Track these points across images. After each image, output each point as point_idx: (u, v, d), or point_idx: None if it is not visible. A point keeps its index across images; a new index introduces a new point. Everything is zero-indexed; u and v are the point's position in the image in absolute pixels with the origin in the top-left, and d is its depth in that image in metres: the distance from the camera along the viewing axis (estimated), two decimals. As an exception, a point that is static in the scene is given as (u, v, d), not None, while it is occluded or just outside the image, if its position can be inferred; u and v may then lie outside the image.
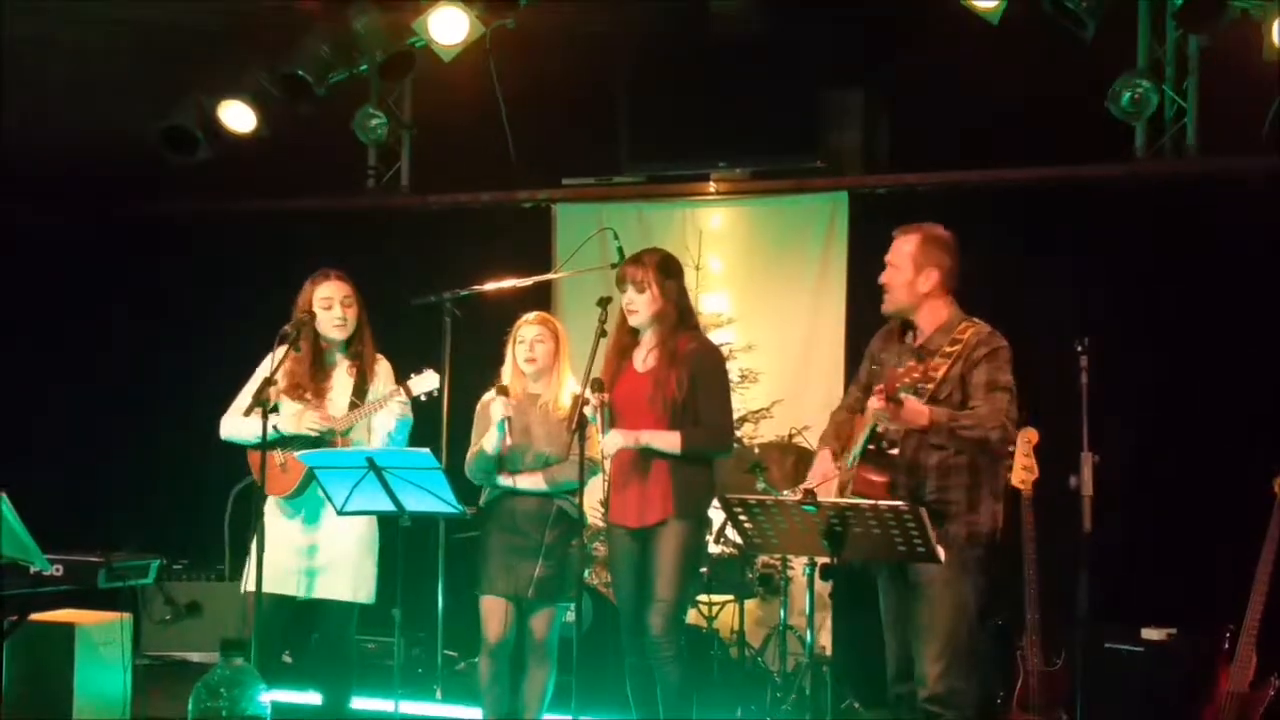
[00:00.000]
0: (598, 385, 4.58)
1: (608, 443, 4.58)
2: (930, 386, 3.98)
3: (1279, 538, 4.84)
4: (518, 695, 4.88)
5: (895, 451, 4.03)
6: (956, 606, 4.02)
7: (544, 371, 4.90)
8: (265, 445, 4.45)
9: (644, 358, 4.71)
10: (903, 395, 3.88)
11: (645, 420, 4.58)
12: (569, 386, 4.88)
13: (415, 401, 4.73)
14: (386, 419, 4.76)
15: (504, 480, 4.86)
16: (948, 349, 4.05)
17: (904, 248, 4.18)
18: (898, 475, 4.04)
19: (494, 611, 4.81)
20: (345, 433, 4.71)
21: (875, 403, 3.94)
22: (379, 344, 4.96)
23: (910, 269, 4.16)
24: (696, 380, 4.59)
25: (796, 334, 6.86)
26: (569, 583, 4.77)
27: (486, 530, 4.90)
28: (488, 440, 4.80)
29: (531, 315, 4.98)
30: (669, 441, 4.54)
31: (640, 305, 4.65)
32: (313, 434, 4.67)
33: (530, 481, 4.84)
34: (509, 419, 4.74)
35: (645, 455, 4.58)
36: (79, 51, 6.66)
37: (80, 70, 6.77)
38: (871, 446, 4.05)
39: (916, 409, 3.94)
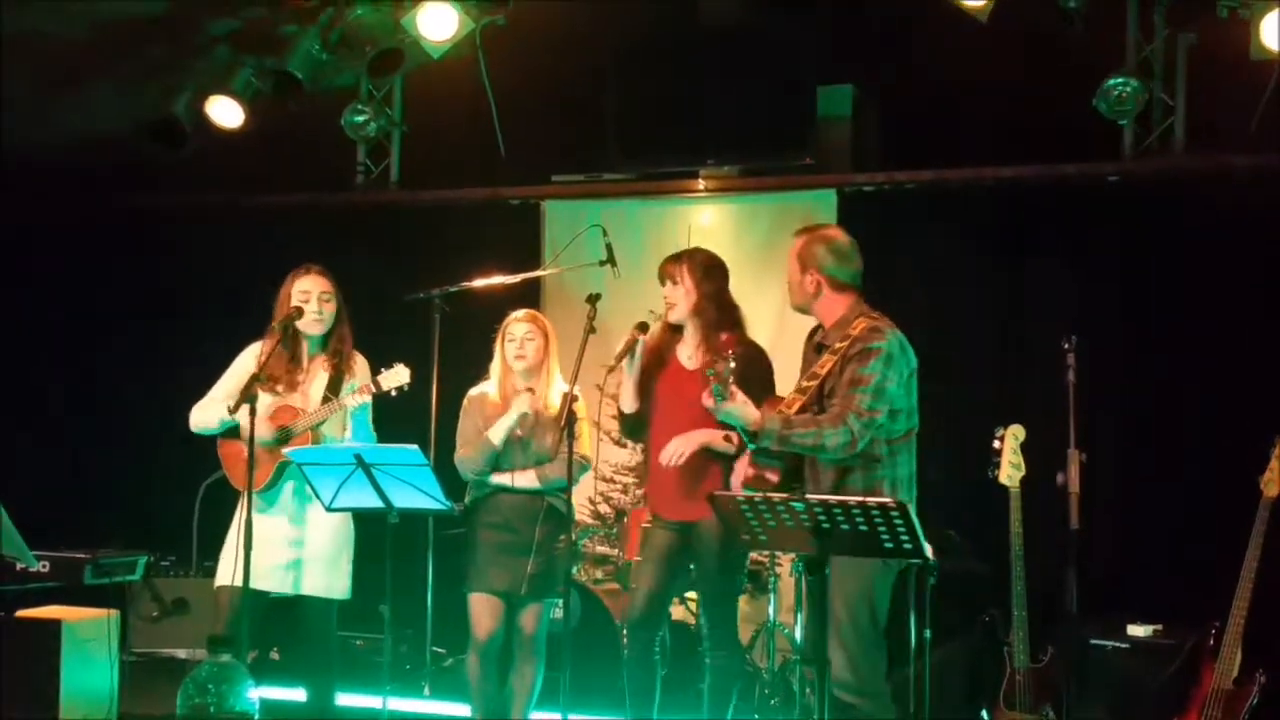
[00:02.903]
0: (643, 327, 4.59)
1: (671, 452, 4.47)
2: (814, 384, 3.98)
3: (1264, 534, 4.85)
4: (506, 691, 4.89)
5: (779, 448, 3.96)
6: (855, 593, 3.96)
7: (533, 369, 4.90)
8: (252, 443, 4.42)
9: (689, 355, 4.71)
10: (727, 395, 3.82)
11: (695, 414, 4.45)
12: (558, 384, 4.89)
13: (386, 396, 4.70)
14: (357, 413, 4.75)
15: (496, 478, 4.86)
16: (838, 345, 4.05)
17: (793, 250, 4.24)
18: (792, 468, 4.01)
19: (484, 608, 4.82)
20: (317, 426, 4.70)
21: (704, 400, 3.94)
22: (368, 340, 4.95)
23: (796, 270, 4.22)
24: (744, 378, 4.56)
25: (786, 331, 6.84)
26: (559, 579, 4.78)
27: (474, 527, 4.90)
28: (495, 431, 4.79)
29: (520, 313, 4.98)
30: (726, 443, 4.49)
31: (677, 299, 4.66)
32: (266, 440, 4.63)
33: (524, 479, 4.84)
34: (525, 414, 4.77)
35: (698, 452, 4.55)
36: (67, 47, 6.63)
37: (68, 66, 6.74)
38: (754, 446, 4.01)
39: (745, 412, 3.92)
